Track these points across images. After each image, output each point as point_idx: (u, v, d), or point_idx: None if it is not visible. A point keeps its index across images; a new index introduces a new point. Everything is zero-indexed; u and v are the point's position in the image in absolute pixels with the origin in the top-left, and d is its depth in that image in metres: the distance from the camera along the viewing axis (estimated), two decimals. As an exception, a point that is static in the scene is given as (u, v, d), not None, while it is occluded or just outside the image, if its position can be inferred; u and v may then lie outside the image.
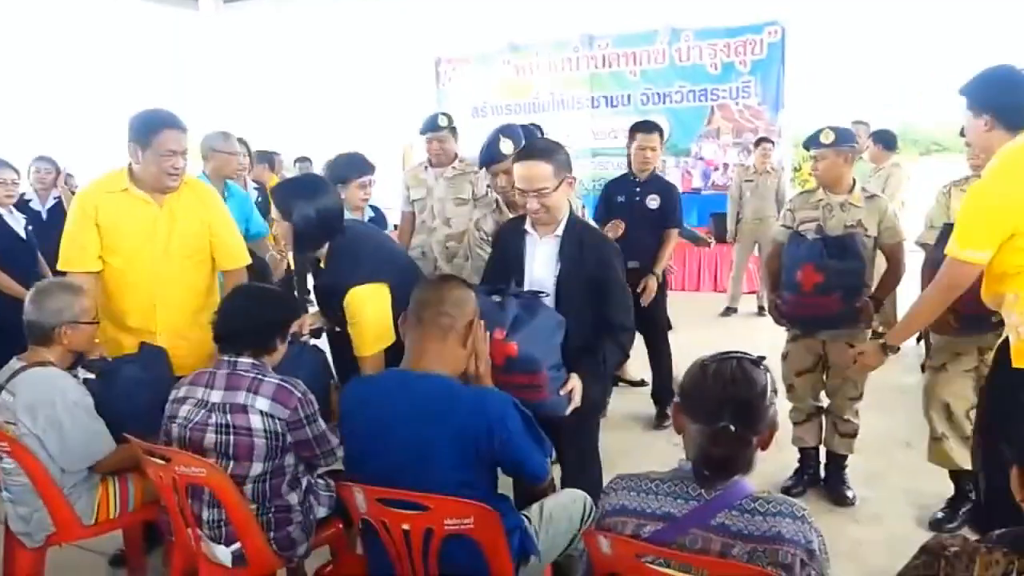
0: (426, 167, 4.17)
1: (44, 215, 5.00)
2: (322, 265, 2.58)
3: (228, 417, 2.09)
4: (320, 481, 2.33)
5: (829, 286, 3.10)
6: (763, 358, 1.56)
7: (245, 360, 2.17)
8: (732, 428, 1.41)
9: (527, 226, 2.53)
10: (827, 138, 3.20)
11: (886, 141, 5.82)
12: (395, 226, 4.75)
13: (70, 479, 2.36)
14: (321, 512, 2.29)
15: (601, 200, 4.50)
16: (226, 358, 2.18)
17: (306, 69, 10.29)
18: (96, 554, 2.97)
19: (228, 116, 9.54)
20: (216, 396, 2.13)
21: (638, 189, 4.28)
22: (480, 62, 9.43)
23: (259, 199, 4.94)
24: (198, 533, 2.11)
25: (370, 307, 2.44)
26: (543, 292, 2.37)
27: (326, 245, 2.52)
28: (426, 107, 9.64)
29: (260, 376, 2.14)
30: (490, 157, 3.03)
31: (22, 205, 4.66)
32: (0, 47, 7.89)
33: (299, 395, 2.13)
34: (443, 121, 4.06)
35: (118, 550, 2.91)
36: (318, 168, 7.10)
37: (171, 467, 2.03)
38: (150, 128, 2.61)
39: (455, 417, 1.79)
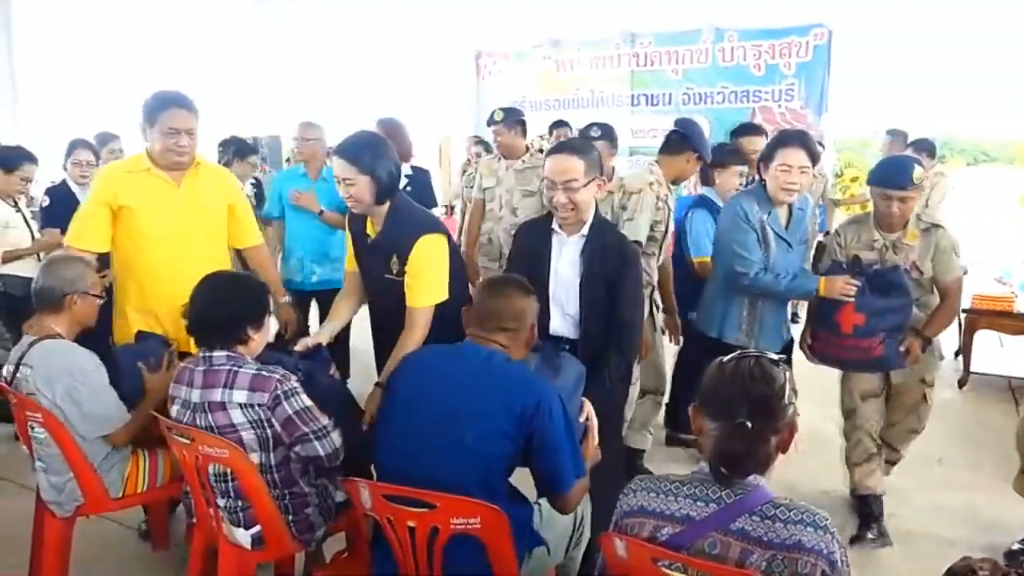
0: (499, 158, 4.39)
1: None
2: (369, 229, 2.60)
3: (210, 417, 2.06)
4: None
5: (871, 328, 2.78)
6: (783, 357, 1.55)
7: (220, 354, 2.11)
8: (749, 424, 1.41)
9: (554, 225, 2.55)
10: (919, 176, 2.74)
11: (929, 149, 5.70)
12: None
13: (101, 451, 2.40)
14: (340, 496, 2.29)
15: None
16: (202, 354, 2.14)
17: (346, 61, 10.36)
18: (123, 527, 3.03)
19: (269, 107, 9.68)
20: (196, 395, 2.09)
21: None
22: (520, 57, 9.39)
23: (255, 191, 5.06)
24: (219, 514, 2.14)
25: (436, 255, 2.50)
26: (564, 344, 2.34)
27: (386, 205, 2.53)
28: (466, 101, 9.69)
29: (236, 368, 2.08)
30: None
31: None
32: (32, 30, 8.03)
33: (278, 376, 2.07)
34: (497, 116, 4.28)
35: (143, 522, 2.97)
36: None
37: (195, 447, 2.06)
38: (157, 107, 2.69)
39: (509, 382, 1.88)
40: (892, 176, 2.77)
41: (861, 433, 3.05)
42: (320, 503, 2.23)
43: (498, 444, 1.82)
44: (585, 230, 2.51)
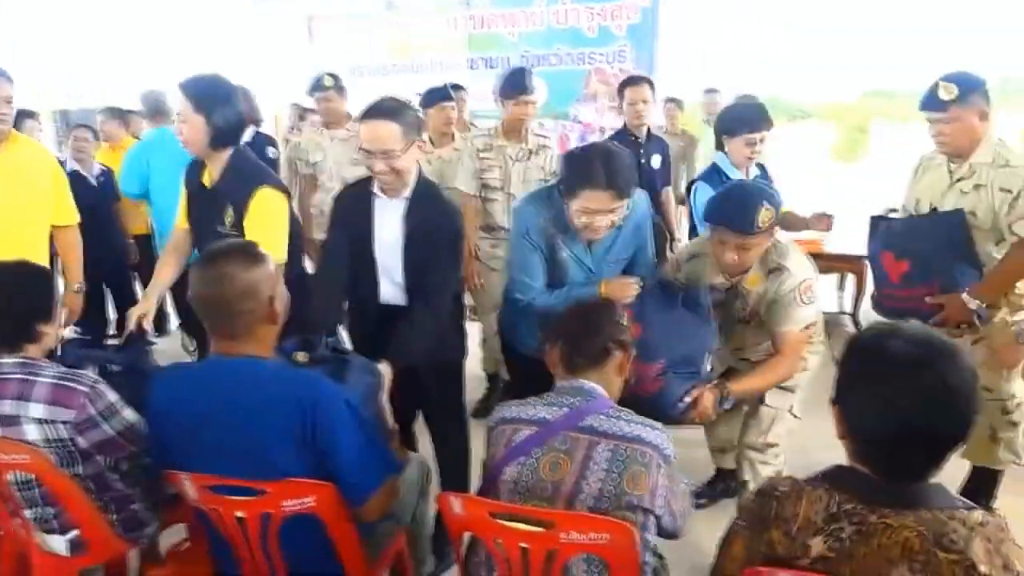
0: (321, 130, 4.34)
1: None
2: (205, 179, 2.53)
3: None
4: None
5: (648, 348, 2.15)
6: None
7: (8, 360, 1.87)
8: (591, 324, 1.75)
9: (374, 188, 2.43)
10: (766, 220, 2.17)
11: (749, 106, 6.04)
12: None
13: None
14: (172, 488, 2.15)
15: None
16: None
17: (172, 29, 9.66)
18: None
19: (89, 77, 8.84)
20: None
21: (642, 150, 4.10)
22: (355, 21, 9.10)
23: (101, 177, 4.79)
24: (29, 523, 1.95)
25: (276, 210, 2.46)
26: (349, 353, 2.14)
27: (226, 152, 2.48)
28: (298, 68, 9.27)
29: (32, 376, 1.84)
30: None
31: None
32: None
33: (85, 389, 1.83)
34: (328, 81, 4.21)
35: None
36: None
37: (-14, 454, 1.84)
38: None
39: (277, 396, 1.63)
40: (729, 216, 2.21)
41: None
42: (148, 497, 2.08)
43: (295, 457, 1.65)
44: (408, 192, 2.39)
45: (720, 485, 3.08)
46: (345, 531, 1.75)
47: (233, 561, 1.78)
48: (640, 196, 2.48)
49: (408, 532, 2.18)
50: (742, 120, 3.17)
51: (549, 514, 1.52)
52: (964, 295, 2.50)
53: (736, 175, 3.17)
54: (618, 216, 2.28)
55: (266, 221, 2.40)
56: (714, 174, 3.23)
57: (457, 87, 5.18)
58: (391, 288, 2.47)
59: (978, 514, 1.18)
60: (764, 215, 2.15)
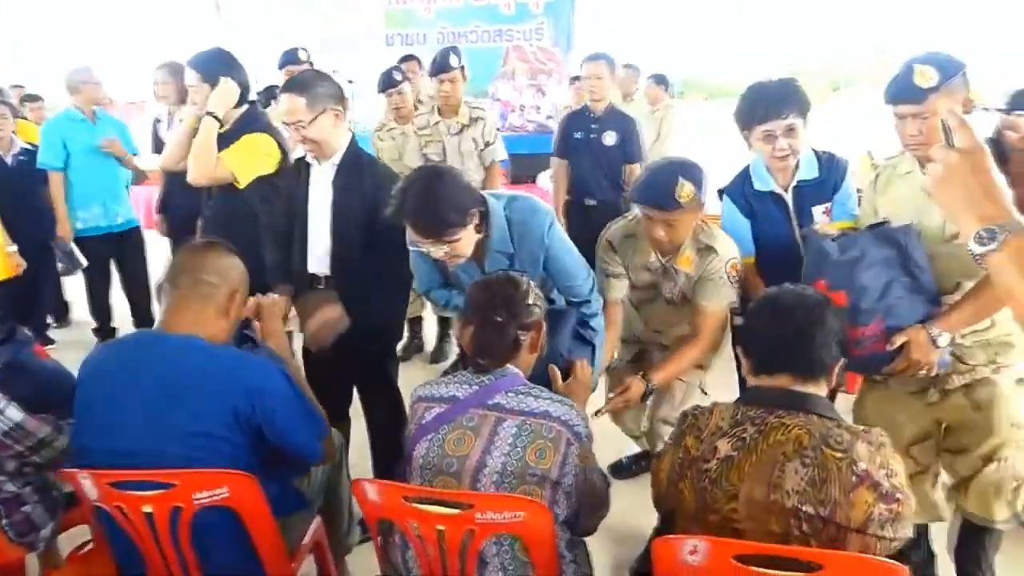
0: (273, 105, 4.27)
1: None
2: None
3: None
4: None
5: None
6: (523, 272, 1.87)
7: None
8: (498, 318, 1.69)
9: (308, 156, 2.49)
10: (687, 195, 2.15)
11: (662, 82, 6.12)
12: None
13: None
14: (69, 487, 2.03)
15: (559, 135, 4.40)
16: None
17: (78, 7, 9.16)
18: None
19: None
20: None
21: (594, 125, 4.16)
22: (265, -4, 8.79)
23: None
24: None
25: (260, 145, 2.73)
26: (258, 342, 2.08)
27: (237, 112, 2.76)
28: (207, 44, 8.92)
29: None
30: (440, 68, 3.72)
31: None
32: None
33: None
34: (303, 55, 4.31)
35: None
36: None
37: None
38: None
39: (210, 378, 1.63)
40: (650, 194, 2.20)
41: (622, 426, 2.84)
42: (43, 499, 1.97)
43: (227, 442, 1.64)
44: (337, 158, 2.42)
45: (643, 461, 3.09)
46: (262, 522, 1.68)
47: (139, 562, 1.70)
48: (534, 221, 2.11)
49: (324, 514, 2.13)
50: (753, 106, 2.34)
51: (464, 495, 1.50)
52: (930, 329, 1.91)
53: (769, 184, 2.44)
54: (453, 249, 1.98)
55: (243, 146, 2.68)
56: (737, 184, 2.54)
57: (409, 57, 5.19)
58: (319, 252, 2.48)
59: (859, 427, 1.43)
60: (684, 190, 2.16)
